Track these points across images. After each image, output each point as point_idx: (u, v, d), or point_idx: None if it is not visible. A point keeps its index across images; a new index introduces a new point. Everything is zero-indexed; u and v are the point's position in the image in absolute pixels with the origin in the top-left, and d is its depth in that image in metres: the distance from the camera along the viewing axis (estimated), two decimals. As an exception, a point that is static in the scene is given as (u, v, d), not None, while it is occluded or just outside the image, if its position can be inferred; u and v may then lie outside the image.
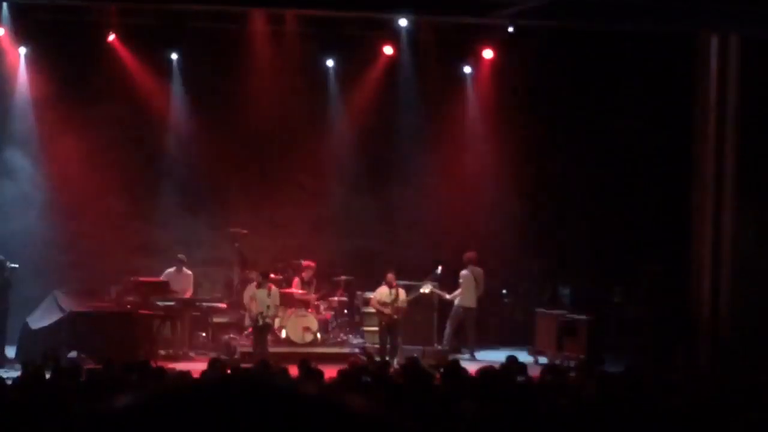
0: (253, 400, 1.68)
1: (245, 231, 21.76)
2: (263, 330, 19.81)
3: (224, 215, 22.43)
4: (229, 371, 13.55)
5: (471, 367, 13.78)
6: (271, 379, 1.77)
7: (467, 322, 21.33)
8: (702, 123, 21.68)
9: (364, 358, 18.01)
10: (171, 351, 20.14)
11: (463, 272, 21.29)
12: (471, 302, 21.26)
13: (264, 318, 19.70)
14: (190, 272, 21.13)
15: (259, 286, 20.04)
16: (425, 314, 21.29)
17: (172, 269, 20.95)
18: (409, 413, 9.06)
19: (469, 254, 21.50)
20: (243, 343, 20.43)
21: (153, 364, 14.46)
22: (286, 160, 22.89)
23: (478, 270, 21.41)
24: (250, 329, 20.81)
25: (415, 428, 1.87)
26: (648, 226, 22.77)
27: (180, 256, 21.00)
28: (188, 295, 20.96)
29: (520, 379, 12.89)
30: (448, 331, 21.26)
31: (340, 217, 23.12)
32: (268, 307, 19.77)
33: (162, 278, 20.79)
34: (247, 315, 20.53)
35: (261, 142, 22.80)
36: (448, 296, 21.28)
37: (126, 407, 1.70)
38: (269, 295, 19.87)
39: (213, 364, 14.26)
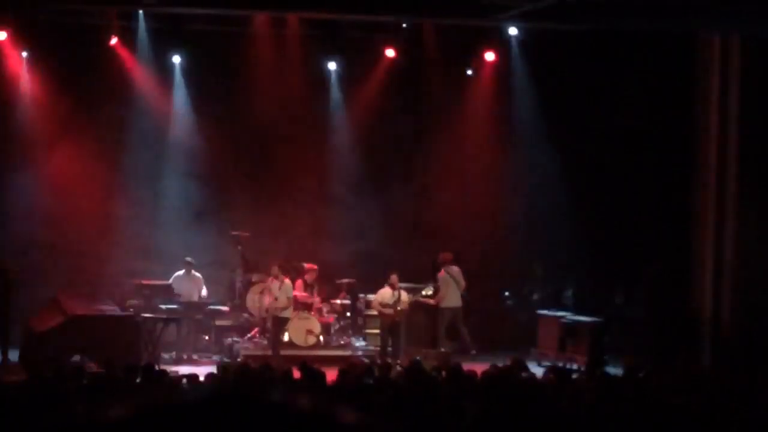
0: (244, 415, 1.69)
1: (248, 234, 21.78)
2: (276, 325, 19.92)
3: (226, 218, 22.44)
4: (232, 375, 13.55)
5: (477, 367, 13.76)
6: (263, 392, 1.77)
7: (456, 322, 21.31)
8: (704, 123, 21.68)
9: (366, 360, 18.05)
10: (174, 354, 20.18)
11: (440, 275, 21.25)
12: (456, 302, 21.25)
13: (273, 310, 19.90)
14: (198, 275, 21.16)
15: (275, 278, 20.17)
16: (428, 317, 21.30)
17: (180, 272, 20.99)
18: (411, 415, 9.07)
19: (444, 255, 21.43)
20: (245, 346, 20.47)
21: (155, 368, 14.48)
22: (288, 163, 22.90)
23: (455, 269, 21.35)
24: (253, 332, 20.86)
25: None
26: (650, 227, 22.76)
27: (188, 259, 21.04)
28: (202, 295, 20.99)
29: (524, 375, 12.92)
30: (442, 334, 21.22)
31: (343, 219, 23.11)
32: (276, 299, 19.97)
33: (171, 282, 20.81)
34: (258, 315, 20.69)
35: (263, 145, 22.81)
36: (432, 301, 21.29)
37: (118, 421, 1.70)
38: (280, 288, 20.04)
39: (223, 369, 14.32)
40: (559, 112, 23.03)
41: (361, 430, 1.76)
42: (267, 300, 20.40)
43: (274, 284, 20.41)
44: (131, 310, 19.88)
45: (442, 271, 21.24)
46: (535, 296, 23.05)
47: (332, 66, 23.02)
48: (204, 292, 21.10)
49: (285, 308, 20.26)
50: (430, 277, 21.42)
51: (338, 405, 1.78)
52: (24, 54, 21.71)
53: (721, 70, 21.15)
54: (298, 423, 1.71)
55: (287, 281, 20.49)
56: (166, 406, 1.75)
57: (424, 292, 21.17)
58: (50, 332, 18.79)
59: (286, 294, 20.31)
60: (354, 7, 20.27)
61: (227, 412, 1.71)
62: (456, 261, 21.48)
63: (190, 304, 20.67)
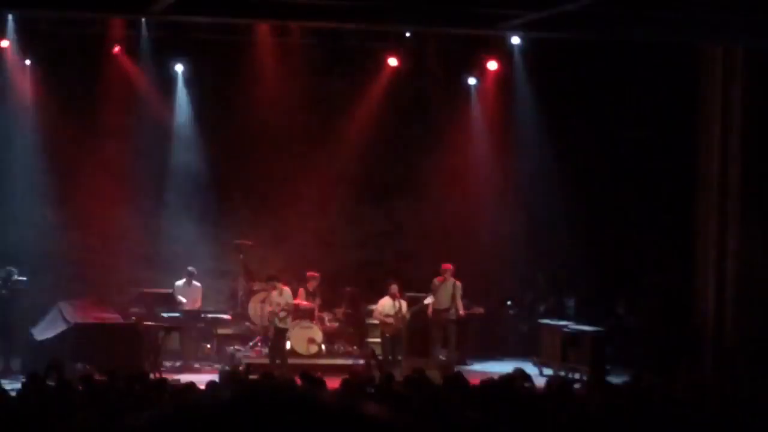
0: (270, 412, 1.70)
1: (250, 242, 21.78)
2: (278, 335, 19.78)
3: (229, 227, 22.45)
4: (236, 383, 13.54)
5: (478, 377, 13.76)
6: (297, 391, 1.78)
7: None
8: (706, 133, 21.67)
9: (368, 361, 18.01)
10: (176, 362, 20.16)
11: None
12: None
13: (277, 320, 19.73)
14: (198, 284, 21.14)
15: (273, 289, 20.08)
16: (429, 326, 21.25)
17: (181, 281, 20.98)
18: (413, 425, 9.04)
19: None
20: (247, 355, 20.44)
21: (157, 376, 14.48)
22: (290, 172, 22.91)
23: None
24: (257, 339, 20.84)
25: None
26: (652, 237, 22.75)
27: (190, 268, 21.03)
28: (197, 306, 20.97)
29: (526, 385, 12.91)
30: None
31: (345, 228, 23.13)
32: (278, 304, 19.80)
33: (173, 290, 20.80)
34: (260, 324, 20.64)
35: (265, 153, 22.82)
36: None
37: (152, 423, 1.71)
38: (281, 294, 19.91)
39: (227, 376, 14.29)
40: (562, 122, 23.04)
41: (386, 424, 1.77)
42: (267, 309, 20.20)
43: (274, 294, 20.14)
44: (133, 318, 19.87)
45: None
46: (538, 306, 23.03)
47: (334, 75, 23.03)
48: (198, 303, 21.05)
49: (287, 316, 20.02)
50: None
51: (363, 400, 1.79)
52: (27, 62, 21.73)
53: (723, 82, 21.15)
54: (324, 418, 1.72)
55: (286, 289, 20.17)
56: (189, 409, 1.76)
57: (426, 301, 21.11)
58: (52, 340, 18.79)
59: (285, 300, 19.93)
60: (356, 17, 20.27)
61: (253, 411, 1.72)
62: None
63: (191, 313, 20.68)
